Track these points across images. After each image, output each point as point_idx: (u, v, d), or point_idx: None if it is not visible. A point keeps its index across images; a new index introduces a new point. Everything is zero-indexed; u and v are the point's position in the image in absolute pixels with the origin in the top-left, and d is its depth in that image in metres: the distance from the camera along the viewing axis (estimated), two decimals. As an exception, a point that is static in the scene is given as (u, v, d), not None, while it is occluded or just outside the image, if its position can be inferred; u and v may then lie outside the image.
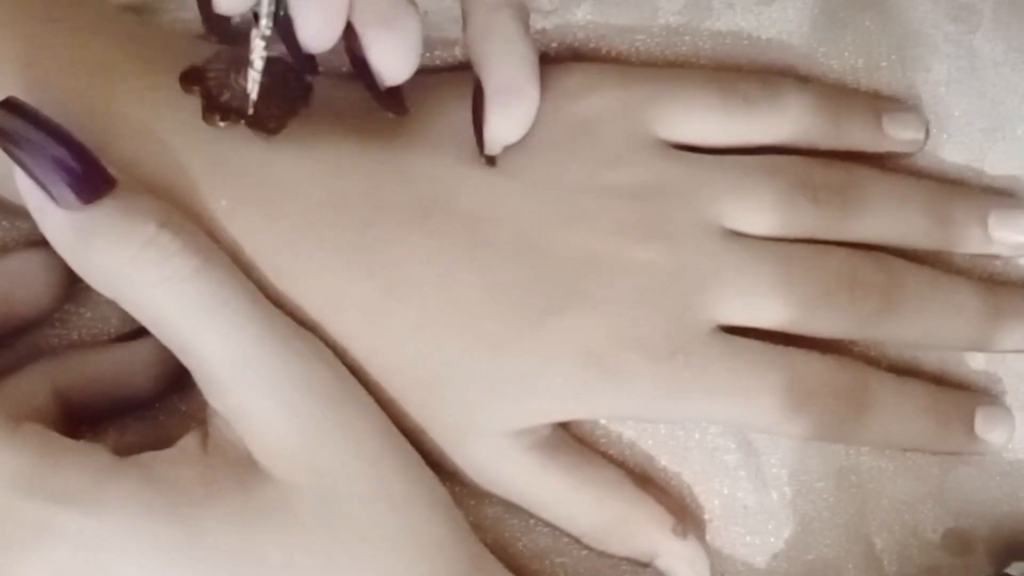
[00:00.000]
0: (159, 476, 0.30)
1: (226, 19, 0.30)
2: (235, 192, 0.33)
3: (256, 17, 0.30)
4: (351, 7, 0.30)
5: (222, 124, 0.32)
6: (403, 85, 0.32)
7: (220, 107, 0.32)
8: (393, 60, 0.31)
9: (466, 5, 0.33)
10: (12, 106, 0.30)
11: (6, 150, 0.30)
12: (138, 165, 0.32)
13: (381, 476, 0.32)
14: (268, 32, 0.30)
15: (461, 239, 0.33)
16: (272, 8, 0.30)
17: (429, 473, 0.33)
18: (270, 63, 0.32)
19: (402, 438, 0.33)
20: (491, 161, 0.33)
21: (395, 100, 0.33)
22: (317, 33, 0.30)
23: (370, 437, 0.32)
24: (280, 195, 0.33)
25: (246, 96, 0.32)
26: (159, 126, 0.33)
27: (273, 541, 0.30)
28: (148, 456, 0.31)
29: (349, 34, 0.31)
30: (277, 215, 0.33)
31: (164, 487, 0.30)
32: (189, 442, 0.32)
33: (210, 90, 0.32)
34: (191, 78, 0.32)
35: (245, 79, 0.32)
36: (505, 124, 0.33)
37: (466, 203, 0.34)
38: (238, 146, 0.33)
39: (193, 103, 0.32)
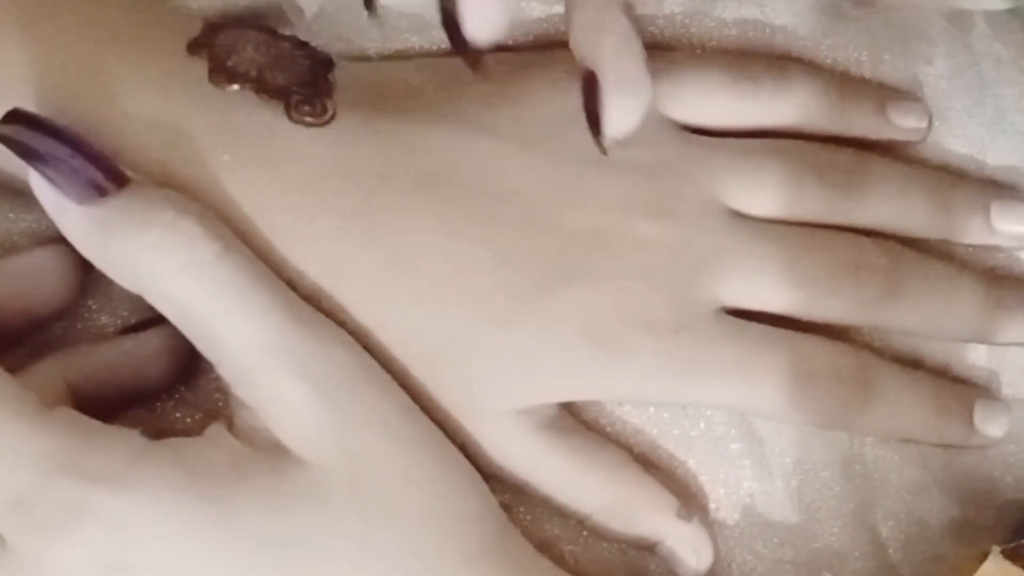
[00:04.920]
0: (191, 458, 0.31)
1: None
2: (237, 150, 0.34)
3: None
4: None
5: (232, 87, 0.33)
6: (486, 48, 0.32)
7: (227, 71, 0.33)
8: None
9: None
10: (19, 117, 0.31)
11: (21, 158, 0.31)
12: (139, 120, 0.33)
13: (410, 454, 0.33)
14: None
15: (466, 212, 0.34)
16: None
17: (454, 449, 0.34)
18: (277, 39, 0.33)
19: (425, 416, 0.34)
20: (606, 152, 0.33)
21: (477, 57, 0.32)
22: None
23: (396, 417, 0.33)
24: (283, 158, 0.34)
25: (253, 63, 0.33)
26: (162, 86, 0.34)
27: (306, 523, 0.31)
28: (178, 440, 0.32)
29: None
30: (279, 176, 0.34)
31: (196, 469, 0.31)
32: (217, 430, 0.33)
33: (217, 54, 0.33)
34: (199, 42, 0.34)
35: (255, 50, 0.33)
36: (625, 116, 0.32)
37: (472, 176, 0.35)
38: (242, 110, 0.34)
39: (199, 70, 0.33)
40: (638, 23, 0.33)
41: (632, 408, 0.38)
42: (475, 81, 0.33)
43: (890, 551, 0.38)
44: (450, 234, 0.34)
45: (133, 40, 0.34)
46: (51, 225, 0.32)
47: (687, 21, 0.39)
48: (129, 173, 0.32)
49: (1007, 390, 0.39)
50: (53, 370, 0.34)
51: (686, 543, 0.36)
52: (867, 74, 0.39)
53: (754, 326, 0.35)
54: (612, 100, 0.32)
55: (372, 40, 0.38)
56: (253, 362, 0.32)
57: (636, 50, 0.33)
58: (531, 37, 0.35)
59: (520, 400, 0.35)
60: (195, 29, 0.34)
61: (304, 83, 0.33)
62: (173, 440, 0.32)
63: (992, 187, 0.39)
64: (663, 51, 0.39)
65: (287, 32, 0.35)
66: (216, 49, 0.33)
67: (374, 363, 0.34)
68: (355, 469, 0.32)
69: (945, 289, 0.37)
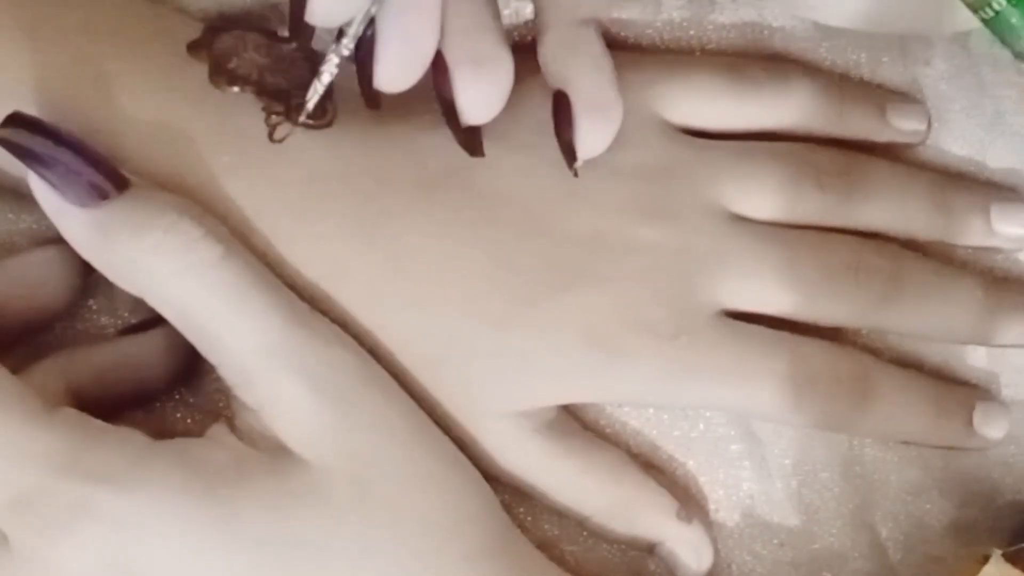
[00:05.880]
0: (194, 459, 0.32)
1: (311, 28, 0.31)
2: (237, 152, 0.34)
3: (340, 34, 0.31)
4: (445, 42, 0.31)
5: (233, 89, 0.33)
6: (483, 126, 0.33)
7: (227, 72, 0.33)
8: (480, 102, 0.32)
9: (546, 17, 0.34)
10: (19, 121, 0.31)
11: (22, 161, 0.31)
12: (139, 122, 0.34)
13: (411, 456, 0.33)
14: (347, 53, 0.31)
15: (466, 215, 0.35)
16: (360, 31, 0.31)
17: (456, 450, 0.35)
18: (277, 42, 0.34)
19: (427, 417, 0.34)
20: (576, 173, 0.34)
21: (473, 137, 0.33)
22: (395, 73, 0.31)
23: (398, 418, 0.33)
24: (283, 161, 0.34)
25: (253, 65, 0.33)
26: (162, 88, 0.34)
27: (308, 523, 0.32)
28: (181, 440, 0.32)
29: (438, 68, 0.32)
30: (280, 178, 0.34)
31: (199, 469, 0.31)
32: (219, 431, 0.33)
33: (218, 56, 0.33)
34: (200, 44, 0.34)
35: (255, 52, 0.33)
36: (596, 137, 0.33)
37: (470, 179, 0.35)
38: (243, 112, 0.34)
39: (199, 71, 0.33)
40: (626, 35, 0.33)
41: (631, 410, 0.38)
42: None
43: (890, 552, 0.38)
44: (449, 237, 0.34)
45: (133, 42, 0.35)
46: (52, 226, 0.33)
47: (686, 24, 0.39)
48: (129, 175, 0.32)
49: (1006, 392, 0.39)
50: (54, 371, 0.34)
51: (686, 544, 0.37)
52: (866, 76, 0.39)
53: (753, 329, 0.36)
54: (583, 123, 0.33)
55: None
56: (254, 364, 0.32)
57: (608, 72, 0.33)
58: (528, 39, 0.35)
59: (520, 402, 0.35)
60: (195, 31, 0.35)
61: (304, 85, 0.33)
62: (176, 440, 0.32)
63: (991, 189, 0.39)
64: (662, 55, 0.39)
65: (287, 34, 0.35)
66: (216, 51, 0.33)
67: (375, 364, 0.34)
68: (357, 470, 0.32)
69: (944, 291, 0.37)
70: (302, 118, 0.32)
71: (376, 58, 0.31)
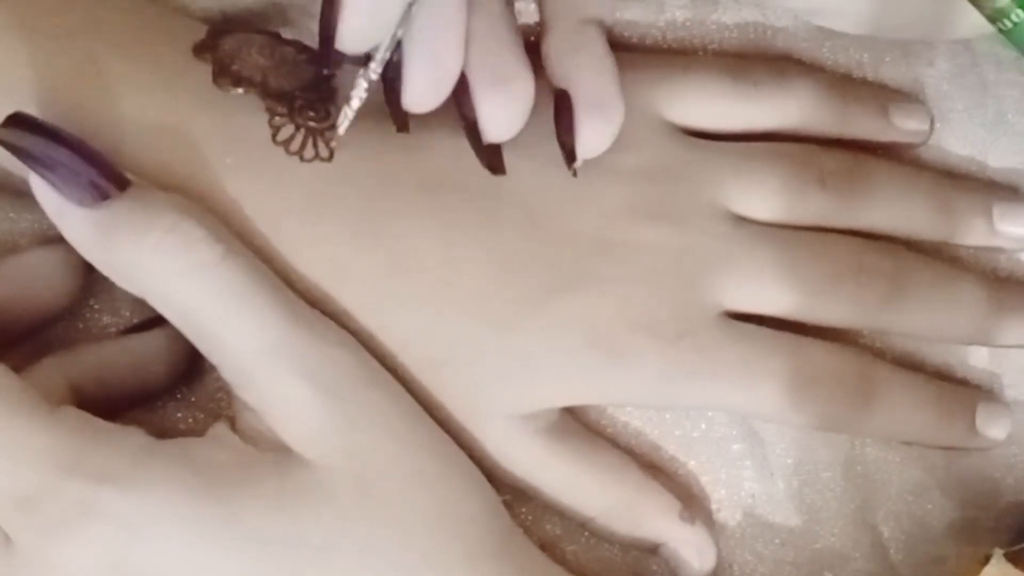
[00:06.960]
0: (197, 458, 0.32)
1: (340, 55, 0.31)
2: (240, 153, 0.34)
3: (368, 58, 0.31)
4: (466, 61, 0.31)
5: (237, 91, 0.33)
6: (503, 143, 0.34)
7: (231, 74, 0.33)
8: (501, 120, 0.32)
9: (549, 17, 0.34)
10: (20, 121, 0.32)
11: (22, 162, 0.32)
12: (142, 123, 0.34)
13: (413, 455, 0.33)
14: (375, 77, 0.32)
15: (469, 216, 0.35)
16: (387, 56, 0.31)
17: (458, 450, 0.35)
18: (281, 44, 0.34)
19: (428, 417, 0.34)
20: (575, 172, 0.34)
21: (494, 155, 0.34)
22: (423, 94, 0.31)
23: (399, 418, 0.34)
24: (286, 162, 0.34)
25: (257, 67, 0.33)
26: (166, 88, 0.34)
27: (310, 523, 0.32)
28: (184, 440, 0.33)
29: (459, 87, 0.32)
30: (283, 180, 0.34)
31: (201, 468, 0.32)
32: (221, 430, 0.33)
33: (222, 57, 0.33)
34: (204, 45, 0.34)
35: (259, 54, 0.33)
36: (597, 138, 0.33)
37: (474, 181, 0.35)
38: (247, 114, 0.34)
39: (203, 73, 0.34)
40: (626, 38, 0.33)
41: (633, 410, 0.38)
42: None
43: (891, 552, 0.38)
44: (452, 238, 0.35)
45: (137, 43, 0.35)
46: (52, 226, 0.33)
47: (688, 24, 0.39)
48: (130, 176, 0.33)
49: (1009, 392, 0.39)
50: (55, 370, 0.35)
51: (689, 545, 0.37)
52: (868, 76, 0.39)
53: (756, 330, 0.36)
54: (584, 124, 0.33)
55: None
56: (255, 364, 0.32)
57: (610, 73, 0.33)
58: (532, 39, 0.35)
59: (522, 404, 0.35)
60: (199, 32, 0.35)
61: (307, 87, 0.33)
62: (177, 440, 0.32)
63: (994, 189, 0.39)
64: (665, 55, 0.39)
65: (290, 37, 0.36)
66: (221, 52, 0.34)
67: (377, 365, 0.34)
68: (359, 470, 0.32)
69: (947, 292, 0.37)
70: (333, 143, 0.33)
71: (404, 80, 0.31)
